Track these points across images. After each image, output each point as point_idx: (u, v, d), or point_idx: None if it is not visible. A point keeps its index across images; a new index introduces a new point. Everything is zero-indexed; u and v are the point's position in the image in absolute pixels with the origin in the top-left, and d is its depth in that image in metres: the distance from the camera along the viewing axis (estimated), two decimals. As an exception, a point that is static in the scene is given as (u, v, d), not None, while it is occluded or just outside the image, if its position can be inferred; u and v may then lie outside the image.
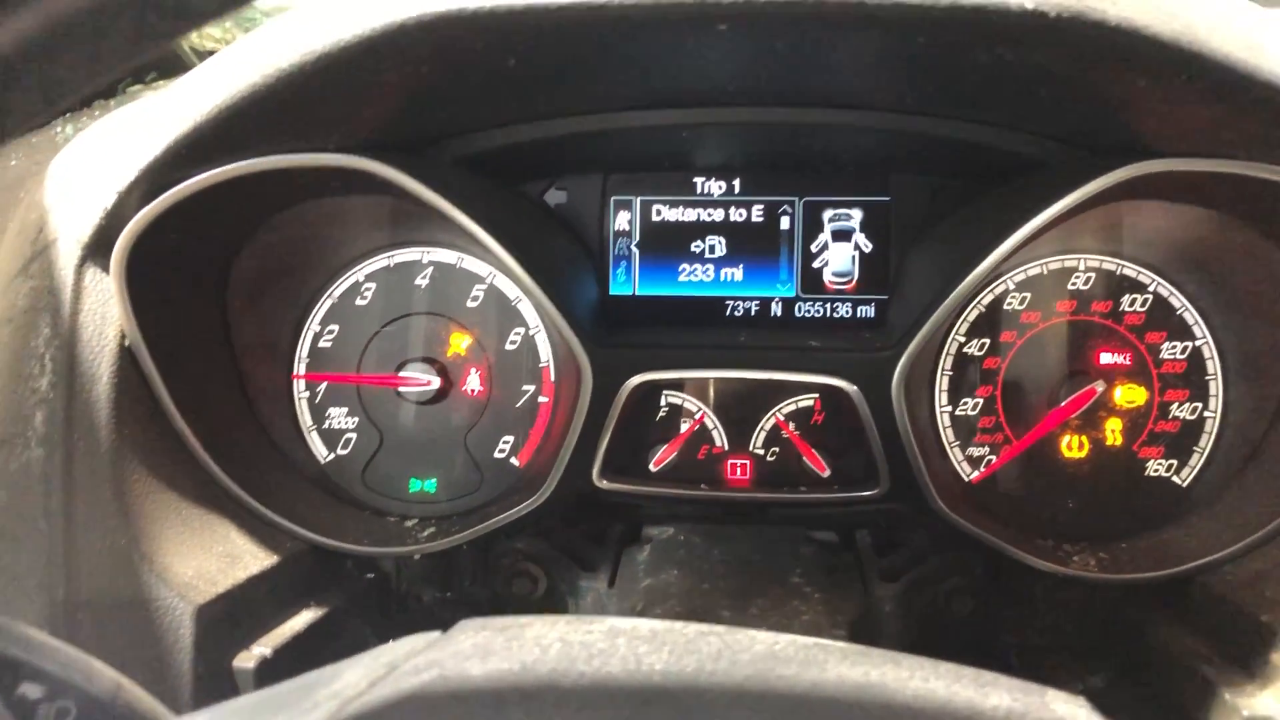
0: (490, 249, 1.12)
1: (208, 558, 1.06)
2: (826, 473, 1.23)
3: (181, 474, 1.10)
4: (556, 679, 0.57)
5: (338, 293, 1.29)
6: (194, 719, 0.59)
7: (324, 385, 1.30)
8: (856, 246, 1.27)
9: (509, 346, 1.30)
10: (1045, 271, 1.24)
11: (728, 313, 1.30)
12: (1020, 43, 0.84)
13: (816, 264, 1.28)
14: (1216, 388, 1.22)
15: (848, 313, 1.29)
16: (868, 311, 1.29)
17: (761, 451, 1.24)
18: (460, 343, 1.30)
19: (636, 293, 1.30)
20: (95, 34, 0.41)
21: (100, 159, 1.07)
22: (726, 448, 1.25)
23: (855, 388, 1.16)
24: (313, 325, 1.30)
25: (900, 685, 0.58)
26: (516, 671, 0.58)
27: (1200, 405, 1.23)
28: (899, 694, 0.57)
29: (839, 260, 1.27)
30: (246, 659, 1.04)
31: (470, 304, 1.30)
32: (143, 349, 1.06)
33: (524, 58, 0.93)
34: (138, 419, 1.07)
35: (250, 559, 1.11)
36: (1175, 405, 1.23)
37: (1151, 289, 1.23)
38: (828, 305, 1.28)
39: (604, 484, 1.22)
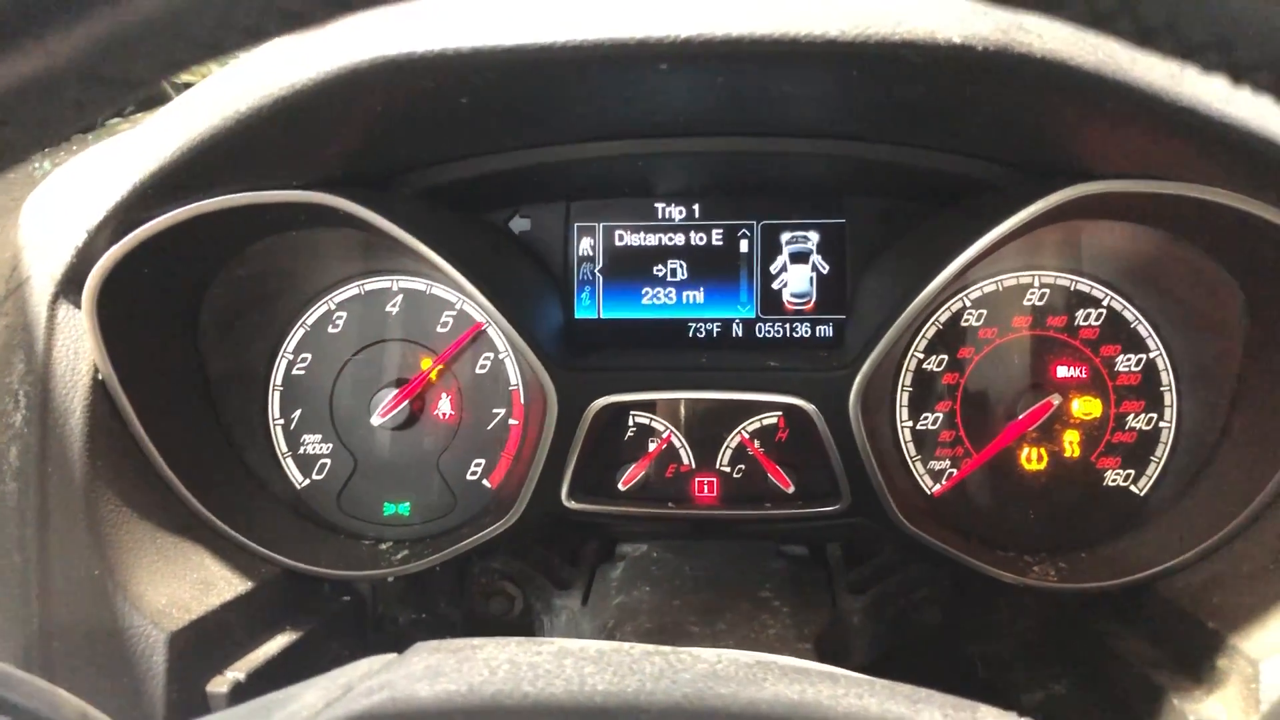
0: (453, 279, 1.14)
1: (181, 585, 1.09)
2: (791, 489, 1.25)
3: (156, 503, 1.13)
4: (500, 700, 0.60)
5: (310, 321, 1.32)
6: None
7: (298, 412, 1.32)
8: (814, 268, 1.29)
9: (479, 371, 1.32)
10: (1001, 288, 1.27)
11: (690, 334, 1.32)
12: (951, 75, 0.87)
13: (775, 285, 1.31)
14: (1171, 398, 1.25)
15: (807, 332, 1.31)
16: (826, 331, 1.32)
17: (728, 469, 1.27)
18: (431, 368, 1.32)
19: (601, 316, 1.33)
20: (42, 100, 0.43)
21: (72, 197, 1.10)
22: (694, 465, 1.27)
23: (814, 406, 1.19)
24: (286, 354, 1.32)
25: (834, 703, 0.60)
26: (463, 693, 0.60)
27: (1155, 416, 1.26)
28: (833, 711, 0.60)
29: (797, 281, 1.30)
30: (220, 684, 1.06)
31: (440, 329, 1.32)
32: (115, 383, 1.08)
33: (476, 96, 0.96)
34: (111, 451, 1.09)
35: (225, 585, 1.14)
36: (1131, 416, 1.26)
37: (1105, 303, 1.25)
38: (787, 325, 1.31)
39: (572, 504, 1.24)
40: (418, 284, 1.32)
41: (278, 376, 1.33)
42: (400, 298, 1.32)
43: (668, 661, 0.65)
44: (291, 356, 1.32)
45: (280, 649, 1.15)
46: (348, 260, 1.31)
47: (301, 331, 1.32)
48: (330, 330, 1.32)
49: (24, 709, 0.73)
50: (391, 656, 0.70)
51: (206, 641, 1.07)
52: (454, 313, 1.32)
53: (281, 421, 1.32)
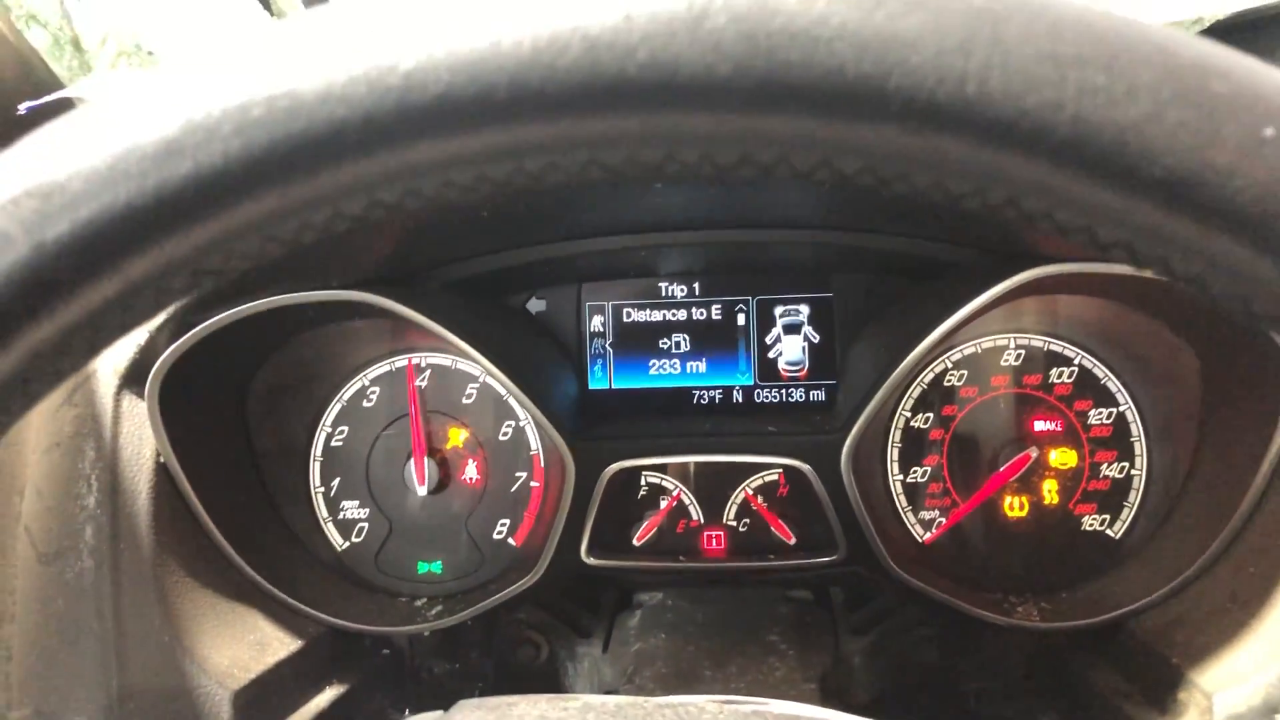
0: (478, 361, 1.26)
1: (241, 646, 1.20)
2: (793, 540, 1.36)
3: (215, 572, 1.25)
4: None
5: (346, 397, 1.44)
6: None
7: (337, 480, 1.44)
8: (806, 338, 1.41)
9: (502, 438, 1.44)
10: (980, 350, 1.38)
11: (694, 401, 1.44)
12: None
13: (771, 355, 1.42)
14: (1141, 448, 1.35)
15: (801, 397, 1.43)
16: (819, 395, 1.43)
17: (734, 523, 1.37)
18: (458, 436, 1.44)
19: (612, 387, 1.44)
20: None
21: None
22: (702, 521, 1.38)
23: (809, 466, 1.30)
24: (325, 427, 1.44)
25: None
26: None
27: (1127, 464, 1.36)
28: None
29: (791, 351, 1.41)
30: (278, 736, 1.17)
31: (465, 401, 1.44)
32: (176, 465, 1.20)
33: (496, 208, 1.08)
34: (175, 527, 1.21)
35: (278, 644, 1.25)
36: (1105, 465, 1.36)
37: (1077, 362, 1.36)
38: (783, 391, 1.43)
39: (591, 560, 1.35)
40: (444, 360, 1.44)
41: (317, 449, 1.44)
42: (428, 373, 1.44)
43: (676, 714, 0.75)
44: (330, 430, 1.44)
45: (330, 701, 1.26)
46: (378, 342, 1.43)
47: (339, 407, 1.44)
48: (364, 405, 1.44)
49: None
50: (438, 714, 0.81)
51: (265, 697, 1.18)
52: (477, 385, 1.43)
53: (322, 489, 1.44)
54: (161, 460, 1.21)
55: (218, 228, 0.42)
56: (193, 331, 1.17)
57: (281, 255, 0.50)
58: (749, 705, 0.81)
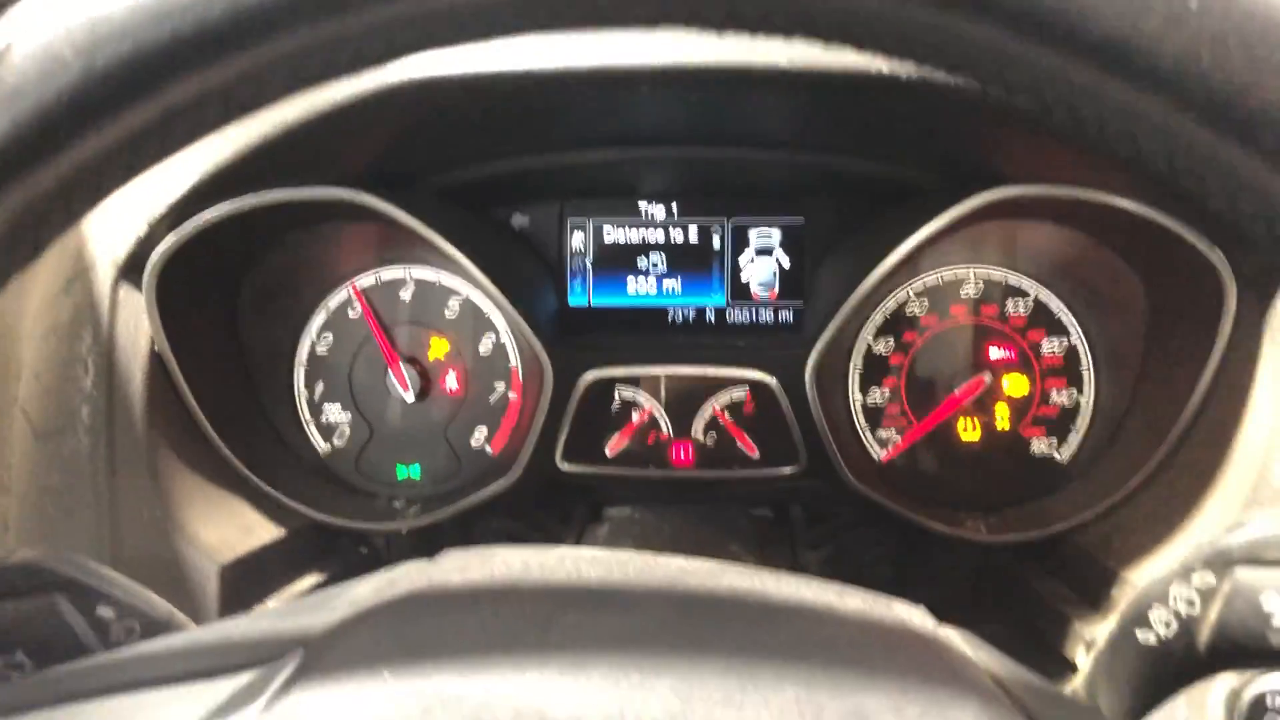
0: (466, 269, 1.32)
1: (228, 528, 1.26)
2: (756, 454, 1.43)
3: (205, 458, 1.30)
4: (512, 584, 0.78)
5: (332, 305, 1.49)
6: (229, 620, 0.78)
7: (320, 385, 1.49)
8: (777, 261, 1.47)
9: (482, 351, 1.49)
10: (941, 281, 1.45)
11: (669, 319, 1.50)
12: (883, 95, 1.06)
13: (743, 277, 1.49)
14: (1089, 377, 1.43)
15: (770, 319, 1.49)
16: (788, 317, 1.49)
17: (702, 438, 1.44)
18: (440, 348, 1.50)
19: (591, 304, 1.50)
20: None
21: (133, 193, 1.27)
22: (671, 435, 1.45)
23: (774, 380, 1.37)
24: (310, 334, 1.49)
25: (776, 589, 0.78)
26: (484, 579, 0.78)
27: (1076, 392, 1.44)
28: (775, 593, 0.77)
29: (762, 273, 1.47)
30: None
31: (448, 314, 1.49)
32: (169, 353, 1.25)
33: (489, 109, 1.14)
34: (167, 413, 1.26)
35: (262, 531, 1.31)
36: (1055, 392, 1.44)
37: (1032, 295, 1.43)
38: (753, 311, 1.49)
39: (565, 466, 1.42)
40: (429, 274, 1.49)
41: (302, 354, 1.49)
42: (412, 286, 1.49)
43: (646, 562, 0.82)
44: (315, 337, 1.49)
45: (309, 588, 1.32)
46: (366, 252, 1.48)
47: (324, 315, 1.49)
48: (350, 314, 1.49)
49: (125, 603, 0.91)
50: (424, 562, 0.87)
51: (249, 576, 1.24)
52: (460, 299, 1.49)
53: (306, 393, 1.49)
54: (156, 349, 1.26)
55: (252, 58, 0.47)
56: (190, 222, 1.22)
57: (311, 86, 0.51)
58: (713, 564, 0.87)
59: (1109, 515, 1.30)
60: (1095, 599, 1.22)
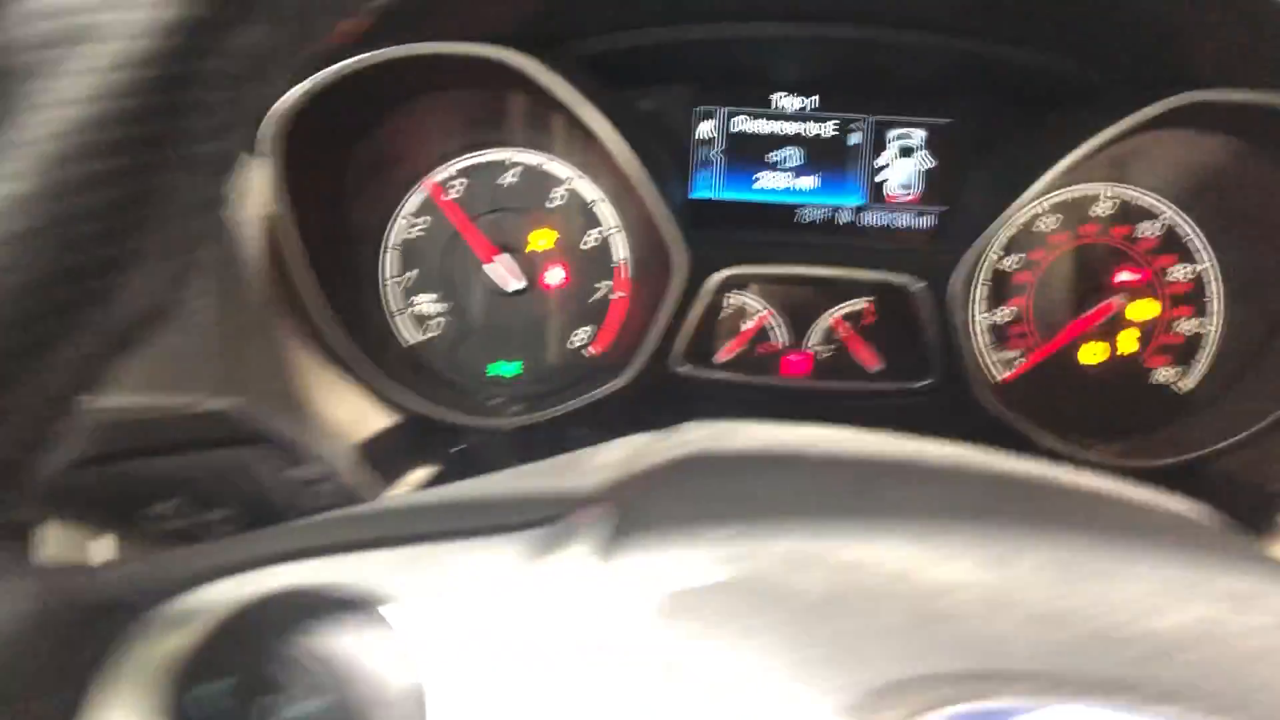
0: (607, 143, 1.22)
1: (344, 410, 1.17)
2: (878, 367, 1.37)
3: (312, 340, 1.21)
4: (770, 445, 0.72)
5: (430, 185, 1.38)
6: (484, 479, 0.70)
7: (414, 272, 1.39)
8: (919, 162, 1.40)
9: (585, 245, 1.40)
10: (1072, 199, 1.39)
11: (796, 219, 1.41)
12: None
13: (881, 177, 1.41)
14: (1217, 306, 1.39)
15: (908, 223, 1.41)
16: (928, 222, 1.41)
17: (819, 349, 1.38)
18: (540, 240, 1.40)
19: (718, 197, 1.41)
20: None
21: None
22: (785, 344, 1.38)
23: (922, 283, 1.30)
24: (403, 215, 1.39)
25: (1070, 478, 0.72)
26: (774, 444, 0.72)
27: (1204, 319, 1.40)
28: (1066, 482, 0.71)
29: (903, 174, 1.40)
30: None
31: (550, 205, 1.40)
32: (288, 217, 1.15)
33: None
34: (279, 284, 1.16)
35: (371, 419, 1.22)
36: (1180, 320, 1.40)
37: (1165, 215, 1.38)
38: (891, 214, 1.41)
39: (681, 369, 1.34)
40: (533, 159, 1.39)
41: (392, 237, 1.39)
42: (515, 170, 1.39)
43: (921, 444, 0.76)
44: (409, 219, 1.39)
45: (420, 480, 1.24)
46: (470, 131, 1.38)
47: (422, 195, 1.38)
48: (450, 196, 1.38)
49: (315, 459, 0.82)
50: (655, 434, 0.79)
51: (369, 460, 1.15)
52: (565, 189, 1.39)
53: (398, 280, 1.39)
54: (268, 216, 1.15)
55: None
56: (324, 71, 1.11)
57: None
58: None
59: (1256, 441, 1.26)
60: (1255, 523, 1.18)
